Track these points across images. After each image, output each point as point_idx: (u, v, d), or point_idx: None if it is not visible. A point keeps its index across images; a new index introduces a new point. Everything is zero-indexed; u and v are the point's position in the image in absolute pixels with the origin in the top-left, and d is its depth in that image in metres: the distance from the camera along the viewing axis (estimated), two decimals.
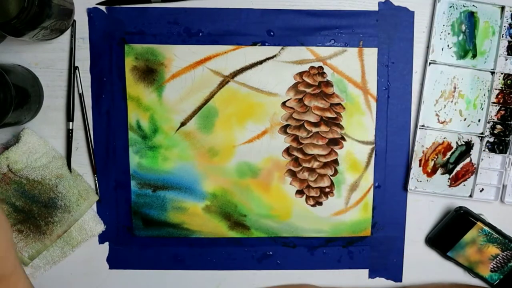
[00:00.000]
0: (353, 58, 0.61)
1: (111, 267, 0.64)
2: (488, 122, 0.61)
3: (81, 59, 0.60)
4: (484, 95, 0.61)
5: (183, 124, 0.61)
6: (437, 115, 0.61)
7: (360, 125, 0.62)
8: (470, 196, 0.62)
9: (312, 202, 0.63)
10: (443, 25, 0.60)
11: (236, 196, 0.62)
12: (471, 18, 0.60)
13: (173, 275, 0.64)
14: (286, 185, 0.62)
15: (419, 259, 0.64)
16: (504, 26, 0.60)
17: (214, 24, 0.60)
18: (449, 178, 0.62)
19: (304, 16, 0.60)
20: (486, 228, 0.60)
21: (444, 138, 0.62)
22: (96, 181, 0.62)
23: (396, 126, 0.62)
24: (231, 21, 0.60)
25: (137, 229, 0.63)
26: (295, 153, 0.62)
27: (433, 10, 0.60)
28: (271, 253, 0.64)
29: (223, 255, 0.64)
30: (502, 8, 0.59)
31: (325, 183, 0.62)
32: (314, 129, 0.61)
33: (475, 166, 0.62)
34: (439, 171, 0.62)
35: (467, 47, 0.60)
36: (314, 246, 0.64)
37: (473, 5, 0.60)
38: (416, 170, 0.62)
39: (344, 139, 0.62)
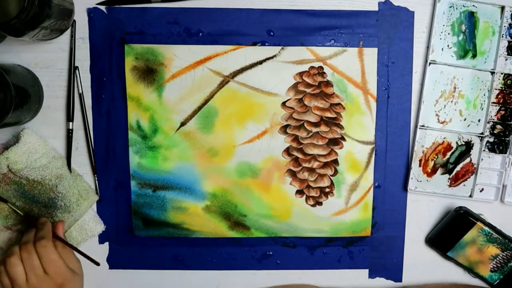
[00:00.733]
0: (353, 58, 0.61)
1: (111, 267, 0.64)
2: (488, 122, 0.61)
3: (81, 59, 0.60)
4: (484, 95, 0.61)
5: (183, 124, 0.61)
6: (437, 115, 0.61)
7: (360, 125, 0.62)
8: (470, 196, 0.62)
9: (312, 202, 0.63)
10: (443, 25, 0.60)
11: (236, 196, 0.62)
12: (471, 18, 0.60)
13: (173, 275, 0.64)
14: (286, 185, 0.62)
15: (419, 259, 0.64)
16: (504, 26, 0.60)
17: (214, 24, 0.60)
18: (449, 178, 0.62)
19: (304, 16, 0.60)
20: (486, 228, 0.60)
21: (444, 138, 0.62)
22: (96, 181, 0.62)
23: (396, 126, 0.62)
24: (231, 21, 0.60)
25: (137, 229, 0.63)
26: (295, 153, 0.62)
27: (433, 10, 0.60)
28: (271, 253, 0.64)
29: (223, 255, 0.64)
30: (502, 8, 0.59)
31: (325, 183, 0.62)
32: (314, 129, 0.61)
33: (475, 166, 0.62)
34: (439, 171, 0.62)
35: (467, 47, 0.60)
36: (314, 246, 0.64)
37: (473, 5, 0.60)
38: (416, 170, 0.62)
39: (344, 139, 0.62)
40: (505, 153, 0.62)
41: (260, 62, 0.60)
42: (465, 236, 0.61)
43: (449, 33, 0.60)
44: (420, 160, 0.62)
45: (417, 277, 0.65)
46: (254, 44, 0.60)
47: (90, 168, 0.62)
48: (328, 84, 0.61)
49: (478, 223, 0.60)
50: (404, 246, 0.64)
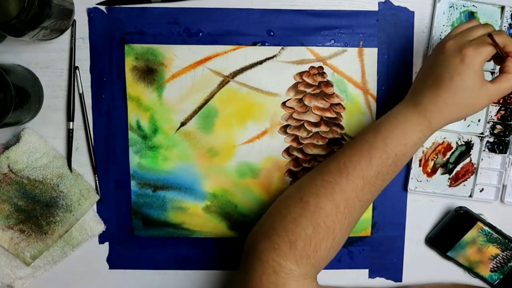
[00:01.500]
0: (353, 58, 0.61)
1: (111, 267, 0.64)
2: (488, 122, 0.61)
3: (81, 59, 0.60)
4: None
5: (183, 124, 0.61)
6: None
7: (360, 125, 0.62)
8: (470, 196, 0.62)
9: None
10: (443, 25, 0.60)
11: (236, 196, 0.62)
12: (471, 18, 0.60)
13: (173, 275, 0.64)
14: (286, 185, 0.62)
15: (419, 259, 0.64)
16: (504, 26, 0.60)
17: (214, 24, 0.60)
18: (449, 178, 0.62)
19: (304, 16, 0.60)
20: (486, 228, 0.60)
21: (444, 138, 0.62)
22: (97, 181, 0.62)
23: None
24: (231, 21, 0.60)
25: (137, 229, 0.63)
26: (295, 153, 0.62)
27: (433, 10, 0.60)
28: None
29: (223, 255, 0.64)
30: (502, 8, 0.59)
31: None
32: (314, 129, 0.61)
33: (475, 166, 0.62)
34: (439, 171, 0.62)
35: None
36: None
37: (473, 5, 0.60)
38: (416, 170, 0.62)
39: (344, 139, 0.62)
40: (505, 153, 0.62)
41: (260, 62, 0.60)
42: (465, 236, 0.61)
43: None
44: (420, 160, 0.62)
45: (417, 277, 0.65)
46: (254, 44, 0.60)
47: (91, 168, 0.62)
48: (328, 84, 0.61)
49: (478, 223, 0.60)
50: (404, 246, 0.64)
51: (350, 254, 0.64)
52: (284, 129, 0.62)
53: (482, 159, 0.62)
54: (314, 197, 0.49)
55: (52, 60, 0.60)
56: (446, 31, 0.60)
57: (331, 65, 0.61)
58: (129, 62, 0.60)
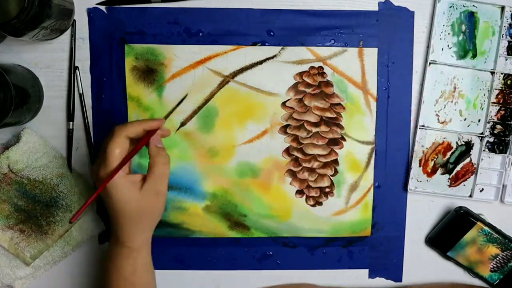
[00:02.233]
0: (353, 58, 0.61)
1: None
2: (488, 122, 0.61)
3: (81, 59, 0.60)
4: (484, 95, 0.61)
5: (183, 124, 0.61)
6: (437, 115, 0.61)
7: (360, 125, 0.62)
8: (470, 196, 0.62)
9: (312, 202, 0.63)
10: (443, 25, 0.60)
11: (236, 196, 0.62)
12: (471, 18, 0.60)
13: (173, 275, 0.64)
14: (286, 185, 0.62)
15: (419, 259, 0.64)
16: (504, 26, 0.60)
17: (214, 24, 0.60)
18: (449, 178, 0.62)
19: (304, 16, 0.60)
20: (486, 228, 0.60)
21: (444, 138, 0.62)
22: None
23: (396, 126, 0.62)
24: (231, 21, 0.60)
25: None
26: (295, 153, 0.62)
27: (433, 10, 0.60)
28: (271, 253, 0.64)
29: (223, 255, 0.64)
30: (502, 8, 0.59)
31: (325, 183, 0.62)
32: (314, 129, 0.61)
33: (475, 166, 0.62)
34: (439, 171, 0.62)
35: (467, 47, 0.60)
36: (314, 246, 0.64)
37: (473, 5, 0.60)
38: (416, 170, 0.62)
39: (344, 139, 0.62)
40: (505, 153, 0.62)
41: (260, 62, 0.60)
42: (465, 236, 0.61)
43: (449, 33, 0.60)
44: (420, 160, 0.62)
45: (417, 277, 0.65)
46: (254, 44, 0.60)
47: (91, 168, 0.62)
48: (328, 84, 0.61)
49: (478, 223, 0.60)
50: (404, 246, 0.64)
51: (350, 254, 0.64)
52: (284, 129, 0.62)
53: (482, 159, 0.62)
54: None
55: (52, 60, 0.60)
56: (446, 31, 0.60)
57: (331, 65, 0.61)
58: (129, 62, 0.60)
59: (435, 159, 0.62)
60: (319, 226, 0.63)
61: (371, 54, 0.60)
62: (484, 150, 0.62)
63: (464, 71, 0.60)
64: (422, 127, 0.61)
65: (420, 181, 0.62)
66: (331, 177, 0.62)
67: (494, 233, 0.60)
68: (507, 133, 0.61)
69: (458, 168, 0.62)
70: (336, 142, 0.62)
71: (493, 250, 0.61)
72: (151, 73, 0.60)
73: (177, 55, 0.60)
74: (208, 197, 0.62)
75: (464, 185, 0.62)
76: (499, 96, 0.61)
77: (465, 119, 0.61)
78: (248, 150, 0.62)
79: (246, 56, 0.60)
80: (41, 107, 0.60)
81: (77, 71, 0.60)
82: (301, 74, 0.61)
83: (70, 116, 0.60)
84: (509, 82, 0.61)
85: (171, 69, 0.60)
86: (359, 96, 0.61)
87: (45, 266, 0.62)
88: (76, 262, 0.63)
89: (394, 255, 0.64)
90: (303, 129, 0.61)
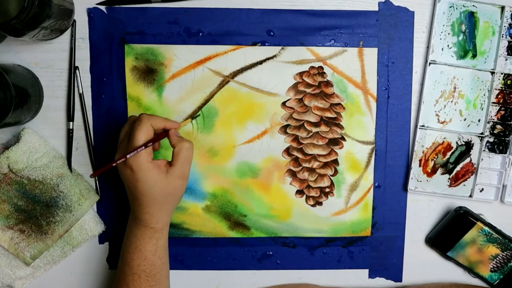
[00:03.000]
0: (353, 58, 0.61)
1: (111, 267, 0.64)
2: (488, 122, 0.61)
3: (81, 59, 0.60)
4: (484, 95, 0.61)
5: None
6: (437, 115, 0.61)
7: (360, 125, 0.62)
8: (470, 196, 0.62)
9: (312, 202, 0.63)
10: (443, 25, 0.60)
11: (236, 196, 0.62)
12: (471, 18, 0.60)
13: (173, 275, 0.64)
14: (286, 185, 0.62)
15: (419, 259, 0.64)
16: (504, 26, 0.60)
17: (214, 24, 0.60)
18: (449, 178, 0.62)
19: (304, 16, 0.60)
20: (486, 228, 0.60)
21: (444, 138, 0.62)
22: (97, 181, 0.62)
23: (396, 126, 0.62)
24: (231, 21, 0.60)
25: None
26: (295, 153, 0.62)
27: (433, 10, 0.60)
28: (271, 253, 0.64)
29: (223, 255, 0.64)
30: (502, 8, 0.59)
31: (325, 183, 0.62)
32: (314, 129, 0.61)
33: (475, 166, 0.62)
34: (439, 171, 0.62)
35: (467, 47, 0.60)
36: (314, 246, 0.64)
37: (473, 5, 0.60)
38: (416, 170, 0.62)
39: (344, 139, 0.62)
40: (505, 153, 0.62)
41: (260, 62, 0.60)
42: (465, 236, 0.61)
43: (449, 33, 0.60)
44: (420, 160, 0.62)
45: (417, 277, 0.65)
46: (254, 44, 0.60)
47: (90, 168, 0.62)
48: (328, 84, 0.61)
49: (478, 223, 0.60)
50: (404, 246, 0.64)
51: (350, 254, 0.64)
52: (284, 129, 0.62)
53: (482, 159, 0.62)
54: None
55: (52, 60, 0.60)
56: (446, 31, 0.60)
57: (331, 65, 0.61)
58: (129, 62, 0.60)
59: (435, 159, 0.62)
60: (319, 226, 0.63)
61: (371, 54, 0.60)
62: (484, 150, 0.62)
63: (464, 71, 0.60)
64: (422, 127, 0.61)
65: (420, 181, 0.62)
66: (331, 177, 0.62)
67: (494, 233, 0.60)
68: (507, 133, 0.61)
69: (458, 168, 0.62)
70: (336, 142, 0.62)
71: (493, 250, 0.61)
72: (151, 73, 0.60)
73: (177, 55, 0.60)
74: (208, 197, 0.62)
75: (464, 185, 0.62)
76: (499, 96, 0.61)
77: (465, 119, 0.61)
78: (248, 150, 0.62)
79: (246, 56, 0.60)
80: (41, 107, 0.60)
81: (77, 71, 0.60)
82: (301, 74, 0.61)
83: (70, 116, 0.60)
84: (509, 82, 0.61)
85: (171, 69, 0.60)
86: (359, 96, 0.61)
87: (45, 266, 0.62)
88: (76, 262, 0.63)
89: (394, 255, 0.64)
90: (303, 129, 0.61)
